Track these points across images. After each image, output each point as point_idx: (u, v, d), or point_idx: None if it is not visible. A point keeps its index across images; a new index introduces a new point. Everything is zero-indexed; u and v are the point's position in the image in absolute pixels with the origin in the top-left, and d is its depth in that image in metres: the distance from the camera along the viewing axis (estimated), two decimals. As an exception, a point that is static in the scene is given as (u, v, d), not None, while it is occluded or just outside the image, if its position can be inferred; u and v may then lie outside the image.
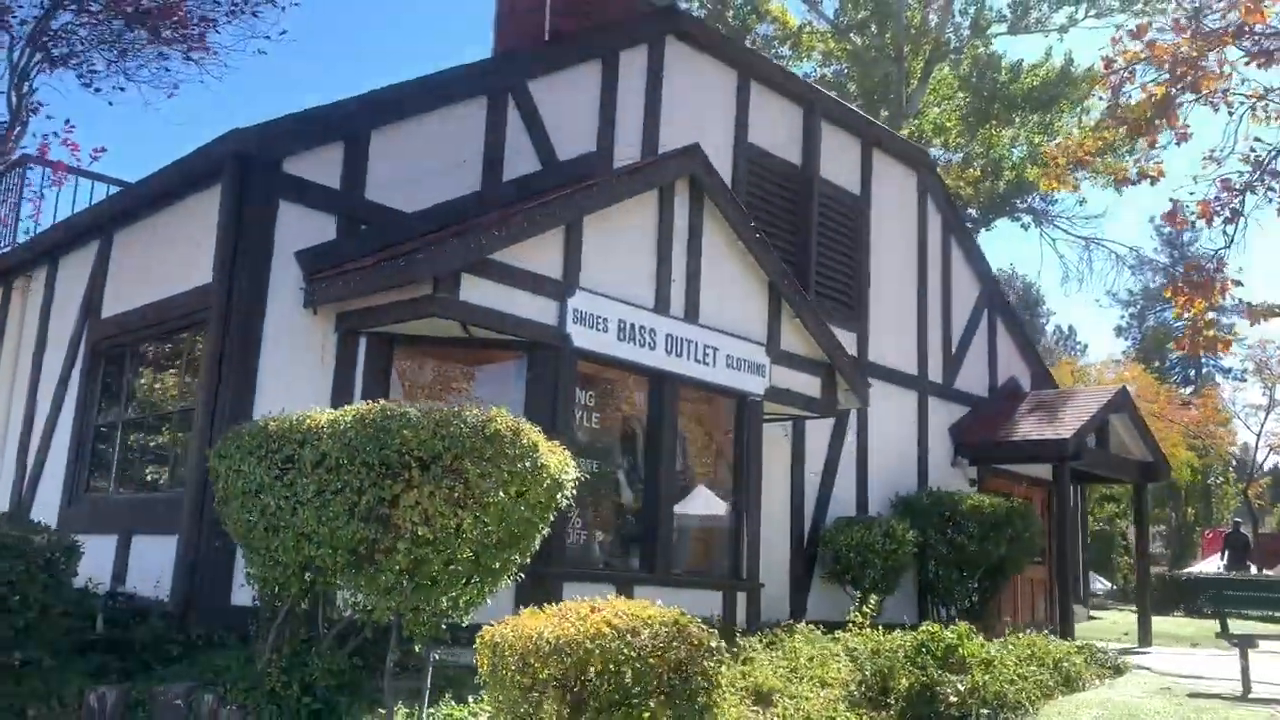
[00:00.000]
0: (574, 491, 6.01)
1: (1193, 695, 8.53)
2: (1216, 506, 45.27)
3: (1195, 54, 9.27)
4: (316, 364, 8.33)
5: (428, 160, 9.31)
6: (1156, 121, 9.68)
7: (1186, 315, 10.16)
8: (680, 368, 9.59)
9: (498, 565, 5.58)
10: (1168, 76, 9.63)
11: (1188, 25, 9.63)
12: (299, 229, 8.40)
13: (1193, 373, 59.94)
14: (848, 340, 13.78)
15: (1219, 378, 55.51)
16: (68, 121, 11.59)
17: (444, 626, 5.61)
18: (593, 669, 4.10)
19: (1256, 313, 9.91)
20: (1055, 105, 27.60)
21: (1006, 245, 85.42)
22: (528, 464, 5.46)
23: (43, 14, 10.75)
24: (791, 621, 9.62)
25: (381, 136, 9.03)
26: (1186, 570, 37.54)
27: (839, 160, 14.02)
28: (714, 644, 4.47)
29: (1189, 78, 9.53)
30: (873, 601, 9.41)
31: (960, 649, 7.93)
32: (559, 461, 5.74)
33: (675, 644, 4.30)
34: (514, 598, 7.98)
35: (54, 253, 11.24)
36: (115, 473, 9.56)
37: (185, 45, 10.91)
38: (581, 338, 8.75)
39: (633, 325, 9.19)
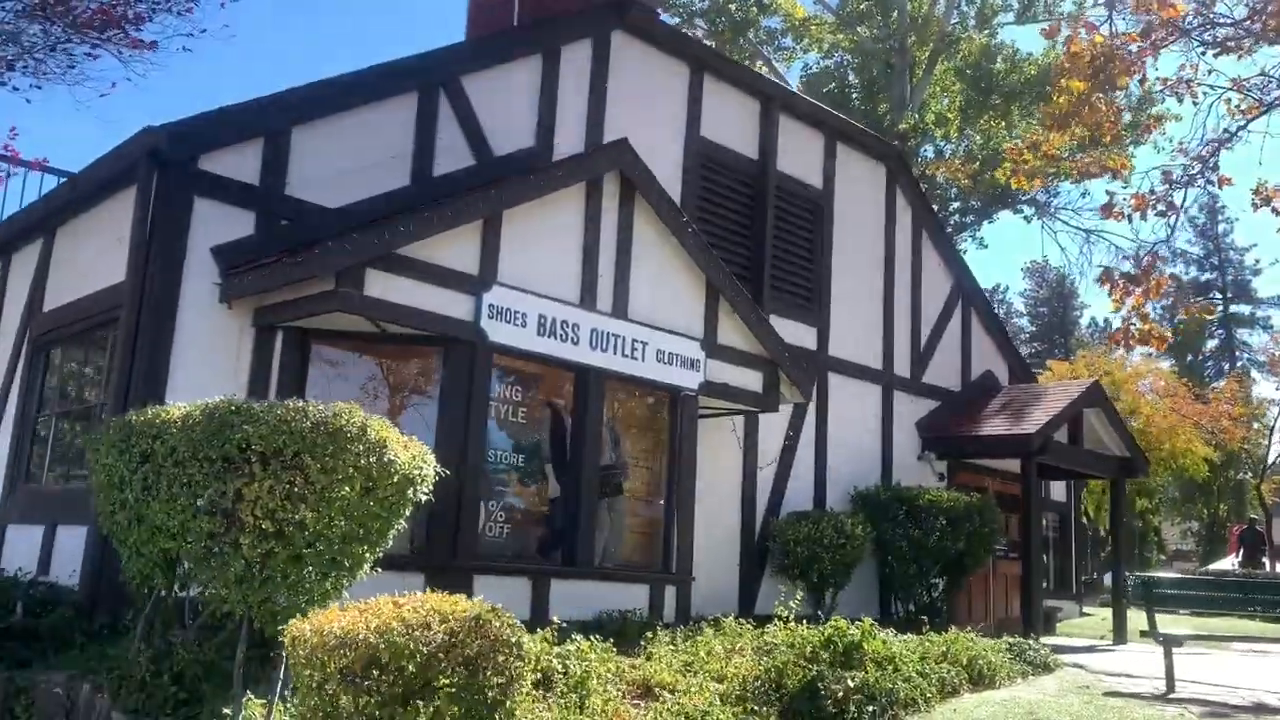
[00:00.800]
0: (429, 488, 6.03)
1: (1110, 694, 8.45)
2: (1249, 503, 44.47)
3: (1104, 55, 9.15)
4: (232, 359, 8.43)
5: (354, 156, 9.36)
6: (1073, 118, 9.58)
7: (1126, 307, 10.02)
8: (605, 362, 9.61)
9: (348, 560, 5.63)
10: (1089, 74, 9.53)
11: (1101, 23, 9.51)
12: (216, 225, 8.50)
13: (1226, 366, 59.03)
14: (807, 335, 13.77)
15: (1255, 373, 54.57)
16: (13, 129, 11.80)
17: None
18: (376, 664, 4.14)
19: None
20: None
21: (1019, 237, 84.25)
22: (373, 460, 5.51)
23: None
24: (722, 616, 9.63)
25: (304, 133, 9.10)
26: (1207, 567, 37.00)
27: (800, 154, 13.95)
28: (514, 639, 4.50)
29: (1102, 75, 9.41)
30: (804, 596, 9.40)
31: (864, 644, 7.92)
32: (412, 457, 5.79)
33: (470, 639, 4.33)
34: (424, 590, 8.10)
35: (7, 249, 11.45)
36: (46, 464, 9.75)
37: (112, 43, 10.99)
38: (498, 333, 8.79)
39: (554, 320, 9.21)
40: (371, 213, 9.29)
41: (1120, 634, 15.41)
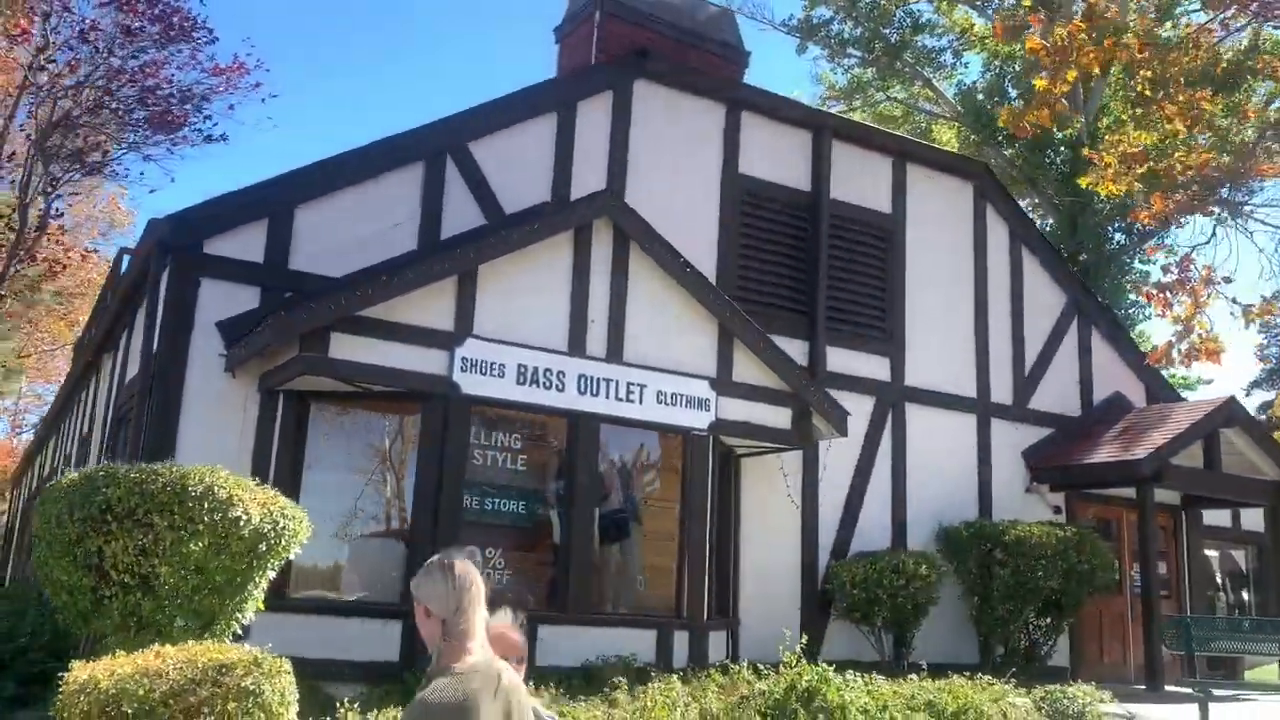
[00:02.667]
0: (301, 542, 6.37)
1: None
2: None
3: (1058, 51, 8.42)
4: (238, 424, 9.19)
5: (358, 227, 10.03)
6: (1034, 115, 8.84)
7: (1172, 317, 8.99)
8: (598, 407, 9.72)
9: (213, 610, 6.07)
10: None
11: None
12: (223, 302, 9.34)
13: None
14: (878, 366, 13.27)
15: None
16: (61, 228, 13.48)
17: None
18: (107, 711, 4.50)
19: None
20: (1242, 85, 24.69)
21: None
22: (219, 517, 5.93)
23: (49, 126, 12.50)
24: (778, 662, 9.33)
25: (307, 210, 9.86)
26: None
27: (862, 181, 13.54)
28: (257, 689, 4.73)
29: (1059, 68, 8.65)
30: (874, 641, 9.02)
31: (824, 692, 7.58)
32: (268, 514, 6.17)
33: (200, 688, 4.61)
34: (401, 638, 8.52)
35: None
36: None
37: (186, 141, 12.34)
38: (472, 385, 9.12)
39: (535, 369, 9.44)
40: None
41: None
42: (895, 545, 12.79)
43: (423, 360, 8.94)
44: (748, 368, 10.65)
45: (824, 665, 7.90)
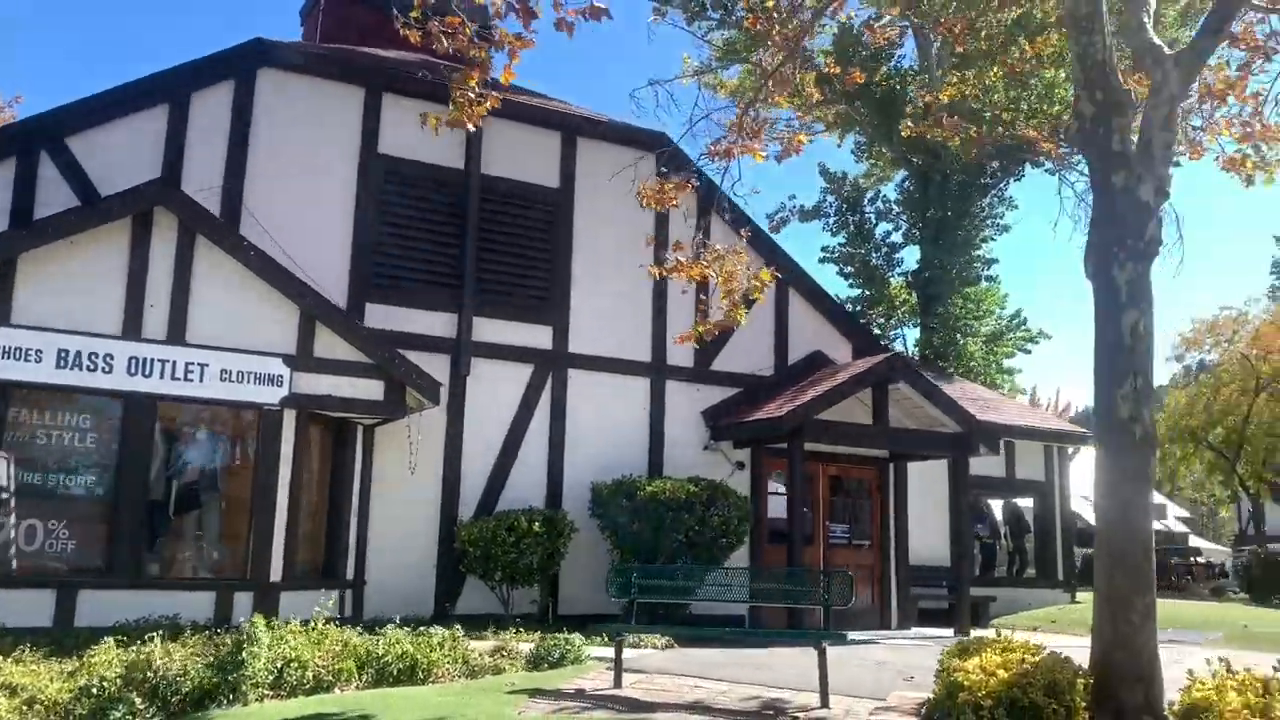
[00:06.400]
0: None
1: (534, 691, 8.24)
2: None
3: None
4: None
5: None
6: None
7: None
8: (153, 387, 10.39)
9: None
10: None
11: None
12: None
13: None
14: (540, 334, 13.86)
15: None
16: None
17: None
18: None
19: None
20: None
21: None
22: None
23: None
24: (403, 618, 10.03)
25: (-115, 209, 10.53)
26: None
27: (527, 156, 14.05)
28: None
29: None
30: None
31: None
32: None
33: None
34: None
35: None
36: None
37: None
38: (11, 371, 9.81)
39: (79, 353, 10.10)
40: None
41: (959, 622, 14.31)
42: (551, 504, 13.45)
43: (-49, 349, 9.63)
44: (332, 346, 11.26)
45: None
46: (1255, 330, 32.95)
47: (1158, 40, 7.93)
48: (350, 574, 12.00)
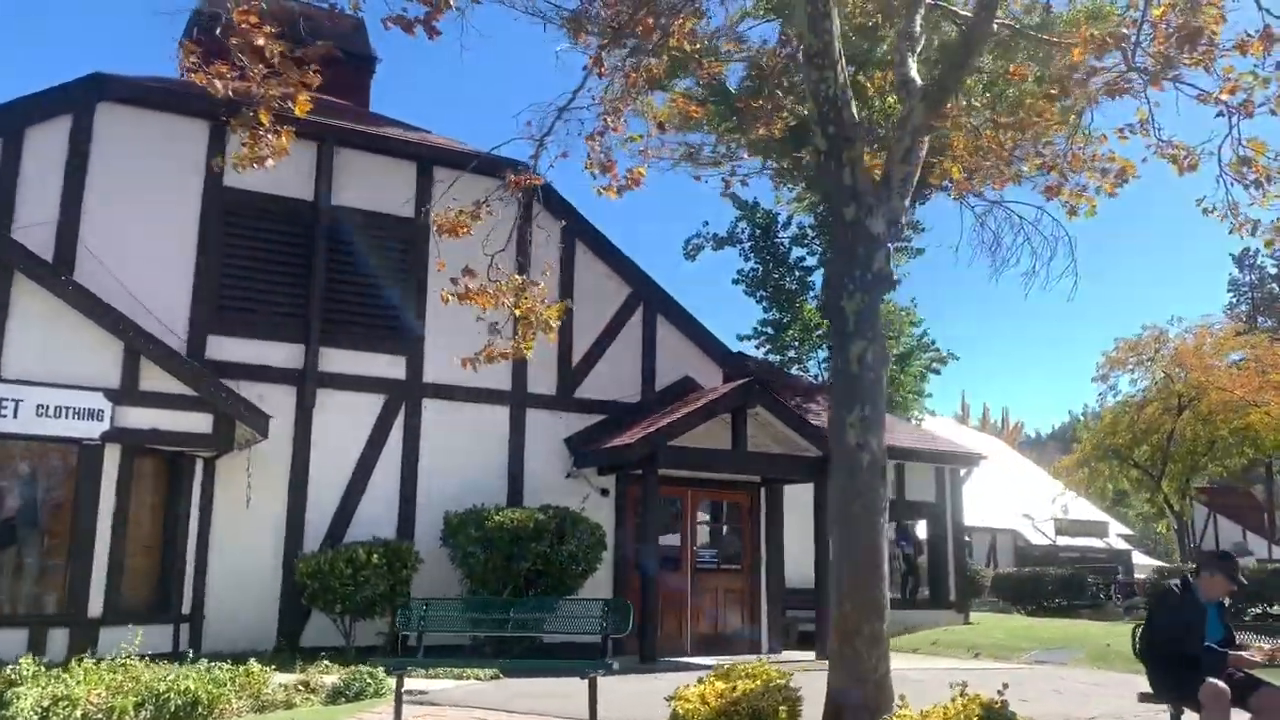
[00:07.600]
0: None
1: None
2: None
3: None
4: None
5: None
6: None
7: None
8: (-39, 423, 10.35)
9: None
10: None
11: None
12: None
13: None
14: (393, 365, 13.89)
15: None
16: None
17: None
18: None
19: None
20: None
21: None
22: None
23: None
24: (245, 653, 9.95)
25: None
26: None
27: (381, 186, 14.13)
28: None
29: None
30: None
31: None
32: None
33: None
34: None
35: None
36: None
37: None
38: None
39: (-124, 390, 10.07)
40: None
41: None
42: (403, 535, 13.44)
43: None
44: (158, 380, 11.26)
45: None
46: (1174, 350, 33.37)
47: (915, 75, 8.13)
48: (187, 607, 11.95)
